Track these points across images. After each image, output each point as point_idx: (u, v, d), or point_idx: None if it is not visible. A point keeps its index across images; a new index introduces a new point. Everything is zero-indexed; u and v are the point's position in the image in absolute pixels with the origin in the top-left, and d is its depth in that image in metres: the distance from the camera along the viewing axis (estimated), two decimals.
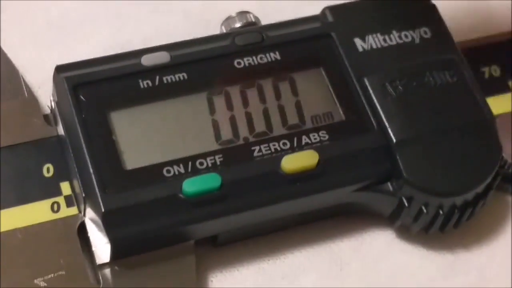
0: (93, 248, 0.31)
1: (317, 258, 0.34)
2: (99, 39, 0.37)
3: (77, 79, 0.32)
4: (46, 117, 0.34)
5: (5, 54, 0.35)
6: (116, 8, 0.38)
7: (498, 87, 0.37)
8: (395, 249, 0.35)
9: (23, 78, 0.34)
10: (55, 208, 0.32)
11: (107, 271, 0.31)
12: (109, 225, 0.30)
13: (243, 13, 0.36)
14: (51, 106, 0.34)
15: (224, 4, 0.38)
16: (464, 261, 0.35)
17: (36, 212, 0.32)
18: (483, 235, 0.35)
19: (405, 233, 0.35)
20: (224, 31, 0.35)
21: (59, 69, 0.33)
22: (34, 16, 0.38)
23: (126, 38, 0.37)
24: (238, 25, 0.35)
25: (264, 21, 0.36)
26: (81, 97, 0.32)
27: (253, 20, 0.36)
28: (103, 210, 0.30)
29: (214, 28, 0.36)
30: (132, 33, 0.37)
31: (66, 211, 0.32)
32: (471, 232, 0.35)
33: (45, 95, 0.35)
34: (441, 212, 0.33)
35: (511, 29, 0.39)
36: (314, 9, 0.36)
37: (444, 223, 0.34)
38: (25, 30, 0.37)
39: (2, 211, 0.31)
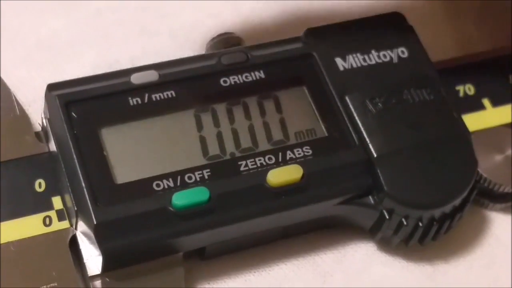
0: (85, 261, 0.32)
1: (302, 270, 0.34)
2: (87, 59, 0.38)
3: (68, 97, 0.33)
4: (37, 134, 0.34)
5: None
6: (104, 29, 0.39)
7: (473, 105, 0.37)
8: (376, 261, 0.35)
9: (14, 97, 0.35)
10: (47, 222, 0.32)
11: (98, 282, 0.31)
12: (100, 237, 0.31)
13: (227, 34, 0.37)
14: (42, 123, 0.34)
15: (209, 25, 0.39)
16: (443, 273, 0.35)
17: (29, 226, 0.32)
18: (461, 248, 0.36)
19: (386, 245, 0.35)
20: (210, 51, 0.36)
21: (51, 87, 0.33)
22: (24, 36, 0.38)
23: (114, 57, 0.37)
24: (223, 45, 0.36)
25: (248, 42, 0.36)
26: (73, 114, 0.32)
27: (237, 40, 0.36)
28: (95, 222, 0.31)
29: (200, 48, 0.37)
30: (120, 53, 0.38)
31: (58, 225, 0.32)
32: (449, 245, 0.36)
33: (36, 113, 0.35)
34: (420, 224, 0.34)
35: (485, 49, 0.40)
36: (295, 31, 0.37)
37: (423, 235, 0.34)
38: (16, 50, 0.38)
39: None
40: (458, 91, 0.38)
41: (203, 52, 0.36)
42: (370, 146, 0.34)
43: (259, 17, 0.40)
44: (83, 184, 0.31)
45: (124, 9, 0.39)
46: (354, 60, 0.36)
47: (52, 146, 0.33)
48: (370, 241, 0.35)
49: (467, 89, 0.38)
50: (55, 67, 0.37)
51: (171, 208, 0.31)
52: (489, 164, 0.36)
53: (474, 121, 0.37)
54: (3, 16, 0.38)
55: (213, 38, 0.36)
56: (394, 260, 0.35)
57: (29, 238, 0.32)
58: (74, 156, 0.32)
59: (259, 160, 0.33)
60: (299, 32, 0.36)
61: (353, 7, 0.39)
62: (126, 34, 0.39)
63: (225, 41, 0.36)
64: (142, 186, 0.32)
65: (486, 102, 0.38)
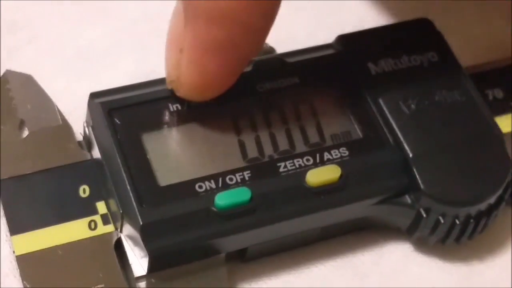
0: (130, 262, 0.32)
1: (340, 271, 0.35)
2: (124, 68, 0.38)
3: (111, 104, 0.33)
4: (79, 142, 0.35)
5: (38, 84, 0.36)
6: (141, 38, 0.39)
7: (502, 109, 0.38)
8: (412, 261, 0.36)
9: (56, 107, 0.35)
10: (92, 226, 0.33)
11: (143, 283, 0.32)
12: (146, 237, 0.31)
13: None
14: (84, 131, 0.35)
15: None
16: (479, 273, 0.36)
17: (75, 230, 0.33)
18: (497, 248, 0.36)
19: (422, 246, 0.36)
20: None
21: (93, 95, 0.34)
22: (63, 47, 0.39)
23: (150, 67, 0.38)
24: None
25: (279, 50, 0.37)
26: (116, 120, 0.33)
27: (270, 50, 0.37)
28: (141, 223, 0.31)
29: None
30: (156, 63, 0.38)
31: (103, 229, 0.33)
32: (485, 245, 0.36)
33: (76, 121, 0.35)
34: (457, 222, 0.34)
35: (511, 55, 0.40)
36: (325, 38, 0.37)
37: (460, 234, 0.35)
38: (55, 60, 0.38)
39: (44, 229, 0.32)
40: (487, 95, 0.38)
41: None
42: (406, 146, 0.34)
43: (291, 26, 0.41)
44: (128, 187, 0.32)
45: (159, 19, 0.39)
46: (386, 65, 0.36)
47: (95, 153, 0.34)
48: (407, 242, 0.36)
49: (495, 93, 0.38)
50: (93, 77, 0.38)
51: (214, 209, 0.32)
52: None
53: (503, 124, 0.37)
54: (42, 27, 0.39)
55: None
56: (430, 261, 0.36)
57: (75, 241, 0.32)
58: (119, 161, 0.32)
59: (297, 161, 0.33)
60: (327, 39, 0.37)
61: (381, 12, 0.40)
62: (162, 44, 0.39)
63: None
64: (185, 188, 0.32)
65: None
